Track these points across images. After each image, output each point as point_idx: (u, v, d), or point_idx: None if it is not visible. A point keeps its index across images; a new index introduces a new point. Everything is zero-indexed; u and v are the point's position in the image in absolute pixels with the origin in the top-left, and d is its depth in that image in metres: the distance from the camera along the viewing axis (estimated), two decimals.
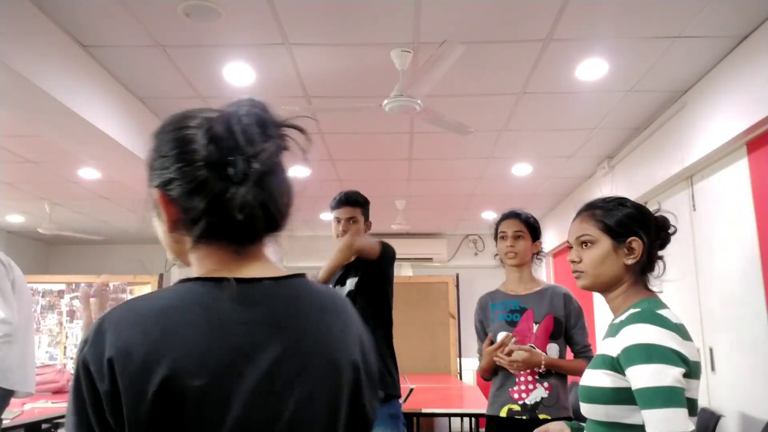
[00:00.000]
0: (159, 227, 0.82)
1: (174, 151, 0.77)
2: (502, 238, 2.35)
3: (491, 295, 2.42)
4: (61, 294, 7.70)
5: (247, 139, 0.74)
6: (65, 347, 7.54)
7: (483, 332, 2.39)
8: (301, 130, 0.79)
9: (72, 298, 7.71)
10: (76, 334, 7.58)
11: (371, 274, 2.49)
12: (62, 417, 4.32)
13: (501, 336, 2.25)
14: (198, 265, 0.79)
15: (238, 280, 0.75)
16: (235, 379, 0.70)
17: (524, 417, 2.17)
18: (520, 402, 2.19)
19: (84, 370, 0.68)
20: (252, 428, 0.71)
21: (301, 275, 0.83)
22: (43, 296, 7.62)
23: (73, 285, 7.72)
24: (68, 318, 7.63)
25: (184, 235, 0.79)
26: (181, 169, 0.76)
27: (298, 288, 0.81)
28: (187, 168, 0.76)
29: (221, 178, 0.75)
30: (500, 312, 2.31)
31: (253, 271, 0.78)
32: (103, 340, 0.68)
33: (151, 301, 0.73)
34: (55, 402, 4.10)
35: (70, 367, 7.09)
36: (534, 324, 2.24)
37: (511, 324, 2.27)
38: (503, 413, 2.22)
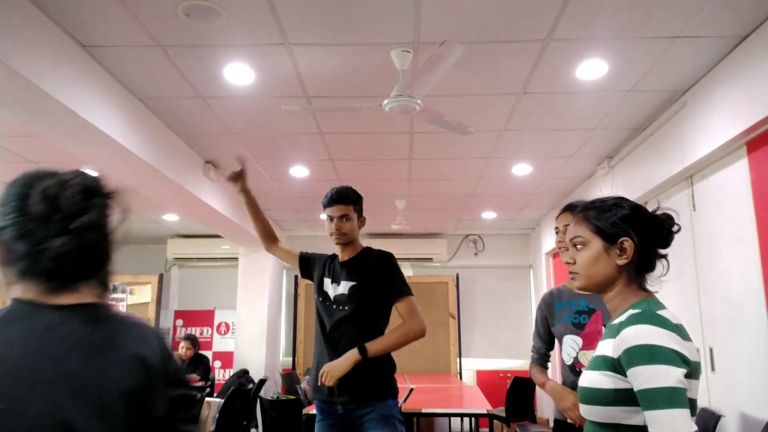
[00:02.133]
0: None
1: (13, 203, 0.95)
2: (556, 233, 2.27)
3: (557, 293, 2.32)
4: None
5: (71, 202, 0.94)
6: None
7: (544, 327, 2.31)
8: (120, 204, 1.00)
9: None
10: None
11: (374, 280, 2.44)
12: None
13: (567, 340, 2.19)
14: (22, 294, 0.96)
15: (46, 306, 0.93)
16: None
17: None
18: None
19: None
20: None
21: (93, 305, 0.97)
22: None
23: None
24: None
25: (8, 271, 0.97)
26: (15, 219, 0.94)
27: (82, 315, 0.95)
28: (20, 218, 0.94)
29: (44, 231, 0.93)
30: (566, 312, 2.21)
31: (64, 300, 0.95)
32: None
33: None
34: None
35: None
36: (603, 327, 2.13)
37: (578, 326, 2.17)
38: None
